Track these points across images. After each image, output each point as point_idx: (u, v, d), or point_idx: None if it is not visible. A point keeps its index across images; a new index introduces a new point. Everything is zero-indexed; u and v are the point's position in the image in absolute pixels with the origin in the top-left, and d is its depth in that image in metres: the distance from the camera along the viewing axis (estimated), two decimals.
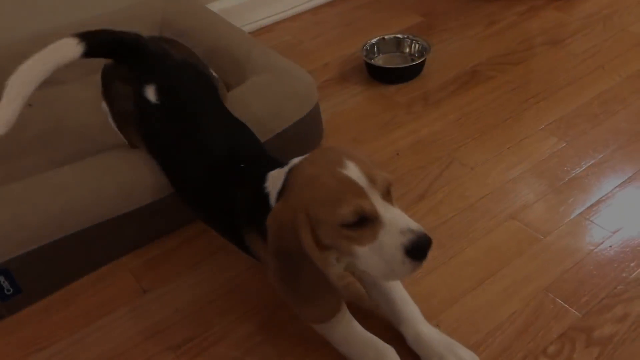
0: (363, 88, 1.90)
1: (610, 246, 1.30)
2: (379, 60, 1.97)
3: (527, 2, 2.25)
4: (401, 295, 1.14)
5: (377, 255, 0.94)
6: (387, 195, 0.97)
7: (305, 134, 1.56)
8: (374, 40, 1.98)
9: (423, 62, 1.89)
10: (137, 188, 1.30)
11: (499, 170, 1.53)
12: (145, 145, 1.33)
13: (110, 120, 1.42)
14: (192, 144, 1.24)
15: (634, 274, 1.23)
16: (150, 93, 1.28)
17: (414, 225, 0.93)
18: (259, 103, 1.47)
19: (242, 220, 1.13)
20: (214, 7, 2.08)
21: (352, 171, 0.95)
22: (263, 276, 1.30)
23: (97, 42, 1.28)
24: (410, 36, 1.98)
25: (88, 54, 1.26)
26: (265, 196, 1.06)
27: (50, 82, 1.70)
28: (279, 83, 1.51)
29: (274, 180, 1.06)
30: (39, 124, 1.55)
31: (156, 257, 1.38)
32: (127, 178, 1.30)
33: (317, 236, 0.97)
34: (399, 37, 2.00)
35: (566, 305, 1.19)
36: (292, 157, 1.09)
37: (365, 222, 0.94)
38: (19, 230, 1.21)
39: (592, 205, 1.40)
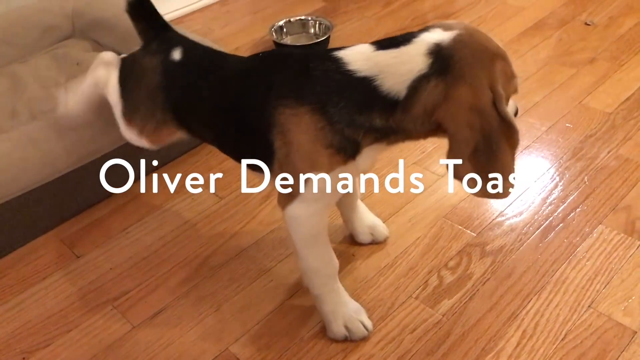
0: None
1: None
2: (287, 41, 2.10)
3: None
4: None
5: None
6: None
7: None
8: (281, 23, 2.11)
9: (327, 39, 2.04)
10: (62, 156, 1.36)
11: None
12: (173, 112, 1.20)
13: (120, 114, 1.26)
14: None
15: (517, 198, 1.42)
16: (178, 54, 1.19)
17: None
18: None
19: (278, 94, 0.99)
20: None
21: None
22: (192, 232, 1.40)
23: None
24: (314, 17, 2.13)
25: (133, 7, 1.27)
26: (348, 75, 0.94)
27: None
28: None
29: (386, 65, 0.93)
30: None
31: (87, 226, 1.44)
32: (50, 146, 1.35)
33: None
34: (303, 19, 2.14)
35: (462, 228, 1.35)
36: None
37: None
38: None
39: None
